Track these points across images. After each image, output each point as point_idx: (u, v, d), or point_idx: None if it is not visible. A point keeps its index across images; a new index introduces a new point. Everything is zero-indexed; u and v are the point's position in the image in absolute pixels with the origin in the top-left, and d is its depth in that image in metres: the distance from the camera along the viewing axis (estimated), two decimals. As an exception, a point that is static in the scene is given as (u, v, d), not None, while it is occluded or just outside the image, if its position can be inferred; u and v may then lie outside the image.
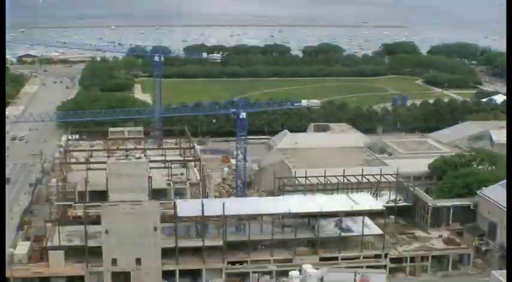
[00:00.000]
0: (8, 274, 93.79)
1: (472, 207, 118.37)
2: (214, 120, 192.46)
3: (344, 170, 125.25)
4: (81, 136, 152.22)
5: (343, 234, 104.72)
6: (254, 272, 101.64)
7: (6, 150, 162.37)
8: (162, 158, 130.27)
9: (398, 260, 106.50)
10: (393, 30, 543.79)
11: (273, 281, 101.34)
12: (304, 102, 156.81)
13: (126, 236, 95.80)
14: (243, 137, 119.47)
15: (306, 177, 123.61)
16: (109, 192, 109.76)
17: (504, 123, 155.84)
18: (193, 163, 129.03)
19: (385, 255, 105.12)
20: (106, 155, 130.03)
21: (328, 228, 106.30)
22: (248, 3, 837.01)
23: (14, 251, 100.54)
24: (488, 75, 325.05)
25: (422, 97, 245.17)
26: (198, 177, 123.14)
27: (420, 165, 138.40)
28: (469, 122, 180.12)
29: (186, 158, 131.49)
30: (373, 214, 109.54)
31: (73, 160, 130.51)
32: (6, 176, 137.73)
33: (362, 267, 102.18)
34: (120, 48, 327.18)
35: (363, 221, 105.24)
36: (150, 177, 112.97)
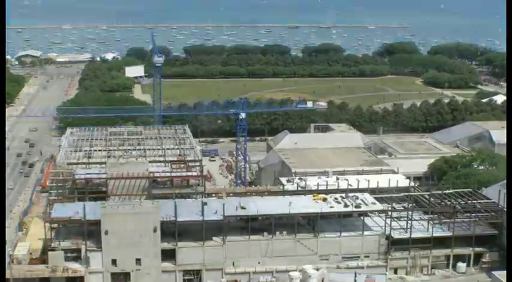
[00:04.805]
0: (8, 274, 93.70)
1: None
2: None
3: (344, 170, 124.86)
4: (81, 136, 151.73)
5: (343, 234, 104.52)
6: (254, 273, 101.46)
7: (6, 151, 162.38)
8: (162, 158, 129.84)
9: (398, 260, 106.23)
10: (394, 30, 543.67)
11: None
12: (309, 104, 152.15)
13: (126, 237, 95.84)
14: (243, 138, 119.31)
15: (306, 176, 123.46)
16: (109, 192, 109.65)
17: (504, 123, 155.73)
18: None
19: (385, 256, 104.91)
20: (106, 155, 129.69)
21: (329, 229, 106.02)
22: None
23: (14, 252, 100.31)
24: (488, 75, 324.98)
25: (422, 97, 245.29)
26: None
27: (420, 165, 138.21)
28: (469, 122, 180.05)
29: (186, 158, 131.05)
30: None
31: (73, 160, 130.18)
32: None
33: (362, 267, 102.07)
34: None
35: (363, 221, 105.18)
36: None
